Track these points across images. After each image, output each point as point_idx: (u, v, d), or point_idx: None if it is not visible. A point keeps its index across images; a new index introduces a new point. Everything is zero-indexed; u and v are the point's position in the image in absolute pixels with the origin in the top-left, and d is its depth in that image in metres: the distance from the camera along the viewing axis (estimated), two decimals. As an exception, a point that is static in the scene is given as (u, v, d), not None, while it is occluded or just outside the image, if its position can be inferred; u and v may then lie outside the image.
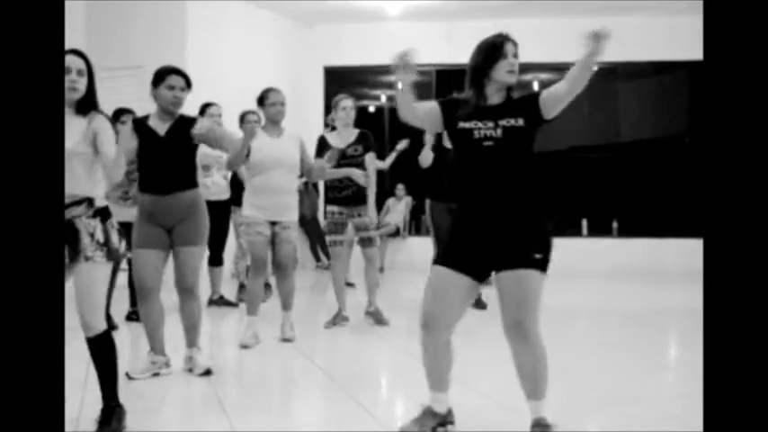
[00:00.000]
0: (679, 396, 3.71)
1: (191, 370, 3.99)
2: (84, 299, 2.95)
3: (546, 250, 2.80)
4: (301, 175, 5.23)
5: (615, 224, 10.34)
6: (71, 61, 2.95)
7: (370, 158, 5.33)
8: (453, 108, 2.93)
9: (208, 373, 3.93)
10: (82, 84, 2.96)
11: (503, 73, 2.83)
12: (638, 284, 8.52)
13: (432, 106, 3.00)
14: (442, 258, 2.91)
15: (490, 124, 2.82)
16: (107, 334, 3.01)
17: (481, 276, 2.87)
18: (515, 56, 2.86)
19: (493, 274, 2.88)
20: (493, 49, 2.84)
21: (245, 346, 4.69)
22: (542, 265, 2.78)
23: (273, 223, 4.85)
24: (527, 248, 2.76)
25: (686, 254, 9.43)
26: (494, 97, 2.88)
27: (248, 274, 5.24)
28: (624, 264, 9.81)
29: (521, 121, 2.81)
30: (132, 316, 5.51)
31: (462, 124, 2.87)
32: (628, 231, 10.25)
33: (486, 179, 2.83)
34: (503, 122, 2.81)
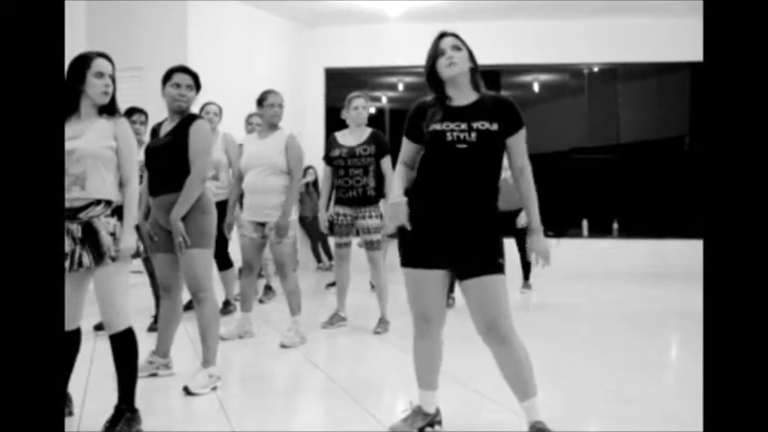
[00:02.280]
0: (679, 396, 3.72)
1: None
2: (103, 298, 2.97)
3: (503, 254, 2.81)
4: (303, 177, 5.24)
5: (616, 225, 10.35)
6: (105, 66, 3.02)
7: (387, 163, 5.26)
8: (422, 115, 2.88)
9: (185, 390, 3.64)
10: (111, 89, 3.04)
11: (443, 69, 2.80)
12: (639, 285, 8.52)
13: (407, 147, 2.96)
14: (407, 260, 2.88)
15: (463, 126, 2.76)
16: (127, 333, 3.00)
17: (449, 265, 2.84)
18: (457, 47, 2.81)
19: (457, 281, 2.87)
20: (431, 51, 2.84)
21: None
22: (503, 269, 2.79)
23: (263, 224, 4.90)
24: (491, 254, 2.75)
25: (686, 254, 9.44)
26: (460, 97, 2.83)
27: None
28: (624, 264, 9.82)
29: (495, 126, 2.76)
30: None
31: (434, 126, 2.81)
32: (628, 232, 10.26)
33: (456, 182, 2.77)
34: (477, 125, 2.75)
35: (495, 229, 2.80)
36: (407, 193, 2.89)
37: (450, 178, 2.78)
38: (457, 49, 2.81)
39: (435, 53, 2.82)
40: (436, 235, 2.80)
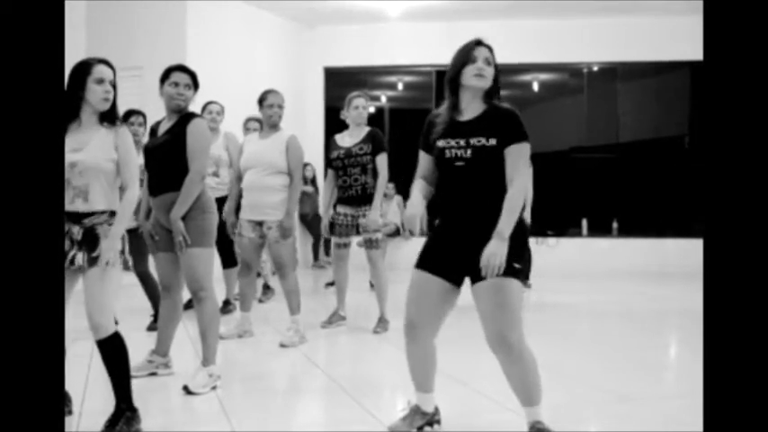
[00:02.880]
0: (679, 396, 3.72)
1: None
2: (93, 301, 2.95)
3: (523, 259, 2.72)
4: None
5: (615, 224, 10.35)
6: (105, 72, 3.03)
7: (382, 160, 5.26)
8: (431, 129, 2.88)
9: (185, 389, 3.65)
10: (112, 95, 3.04)
11: (469, 77, 2.76)
12: (638, 284, 8.52)
13: (422, 159, 2.94)
14: (420, 262, 2.87)
15: (462, 143, 2.75)
16: (116, 336, 3.00)
17: (458, 281, 2.83)
18: (488, 61, 2.78)
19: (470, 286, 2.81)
20: (462, 54, 2.79)
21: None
22: (520, 275, 2.69)
23: (261, 224, 4.90)
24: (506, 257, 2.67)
25: (686, 254, 9.45)
26: (469, 108, 2.81)
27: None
28: (624, 264, 9.82)
29: (493, 141, 2.71)
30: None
31: (438, 143, 2.81)
32: (628, 231, 10.26)
33: (458, 197, 2.77)
34: (473, 141, 2.73)
35: (513, 234, 2.69)
36: (429, 205, 2.89)
37: (453, 194, 2.79)
38: (488, 63, 2.79)
39: (467, 59, 2.77)
40: (451, 248, 2.80)
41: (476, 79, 2.76)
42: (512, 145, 2.72)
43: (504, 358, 2.71)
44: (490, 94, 2.82)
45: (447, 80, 2.84)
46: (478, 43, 2.81)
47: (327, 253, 10.05)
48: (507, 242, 2.64)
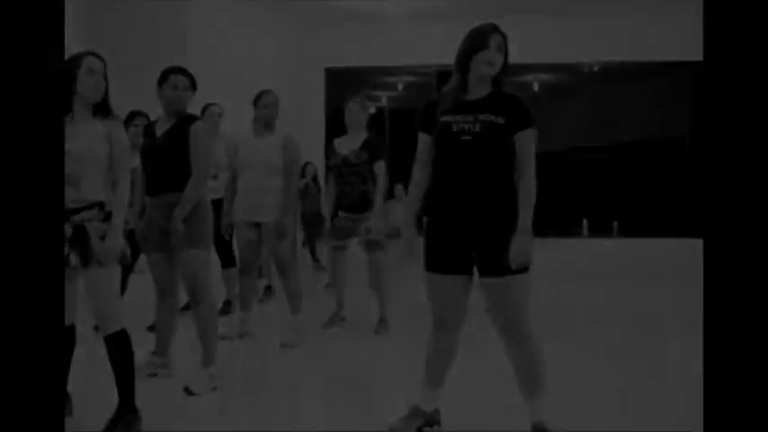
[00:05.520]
0: (679, 397, 3.72)
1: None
2: (96, 300, 2.98)
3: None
4: (303, 176, 5.23)
5: (616, 225, 10.35)
6: (95, 64, 3.03)
7: (380, 168, 5.19)
8: (434, 109, 2.90)
9: (186, 390, 3.65)
10: (103, 86, 3.04)
11: (480, 63, 2.78)
12: (639, 285, 8.51)
13: (423, 142, 2.94)
14: (428, 264, 2.89)
15: (470, 118, 2.77)
16: (122, 334, 3.01)
17: (470, 269, 2.85)
18: (500, 49, 2.80)
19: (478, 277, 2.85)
20: (476, 38, 2.81)
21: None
22: (525, 268, 2.75)
23: (259, 225, 4.88)
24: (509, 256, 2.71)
25: (687, 254, 9.43)
26: (476, 90, 2.84)
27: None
28: (624, 264, 9.81)
29: (501, 119, 2.75)
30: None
31: (442, 118, 2.83)
32: (628, 232, 10.26)
33: (462, 174, 2.77)
34: (482, 117, 2.76)
35: (514, 228, 2.73)
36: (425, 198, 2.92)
37: (457, 171, 2.79)
38: (500, 50, 2.81)
39: (480, 45, 2.79)
40: (455, 237, 2.80)
41: (485, 67, 2.79)
42: (522, 131, 2.76)
43: (512, 348, 2.81)
44: (497, 81, 2.85)
45: (457, 62, 2.84)
46: (494, 30, 2.82)
47: (314, 258, 10.07)
48: (532, 234, 2.70)
